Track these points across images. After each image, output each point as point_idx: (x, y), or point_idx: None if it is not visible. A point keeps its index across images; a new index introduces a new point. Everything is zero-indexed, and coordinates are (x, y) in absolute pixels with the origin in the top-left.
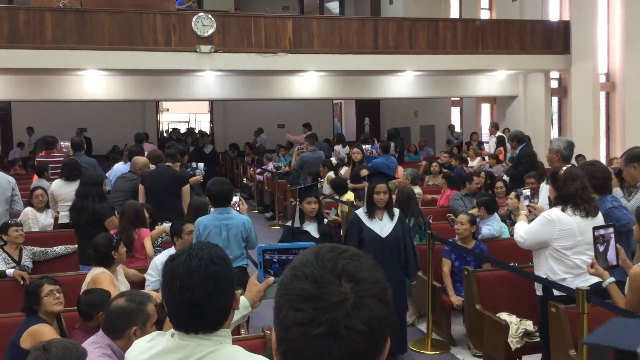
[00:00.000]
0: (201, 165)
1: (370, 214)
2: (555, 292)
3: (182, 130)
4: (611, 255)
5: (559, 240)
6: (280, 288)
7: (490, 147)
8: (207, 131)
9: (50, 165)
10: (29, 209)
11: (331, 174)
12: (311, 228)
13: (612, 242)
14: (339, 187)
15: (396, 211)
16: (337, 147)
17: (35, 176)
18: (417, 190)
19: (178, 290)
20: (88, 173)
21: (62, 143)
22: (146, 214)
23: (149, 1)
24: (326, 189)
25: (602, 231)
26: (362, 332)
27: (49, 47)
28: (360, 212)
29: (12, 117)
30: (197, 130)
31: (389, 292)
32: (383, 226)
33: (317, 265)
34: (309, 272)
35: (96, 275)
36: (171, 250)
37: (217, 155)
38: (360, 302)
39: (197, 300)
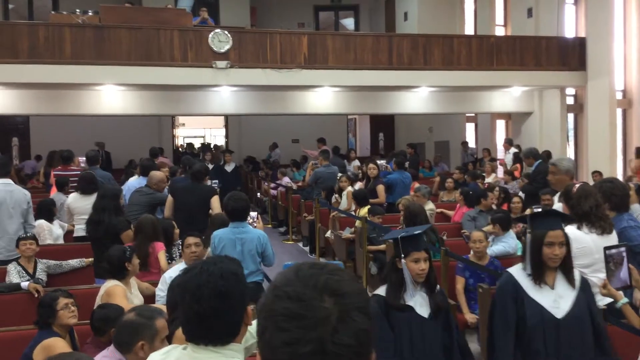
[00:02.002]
0: (215, 182)
1: (537, 276)
2: None
3: (197, 145)
4: (624, 276)
5: (577, 258)
6: (262, 310)
7: (507, 163)
8: (223, 145)
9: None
10: (43, 222)
11: (351, 188)
12: (418, 300)
13: (625, 262)
14: (362, 199)
15: (577, 273)
16: (356, 162)
17: (53, 190)
18: (430, 206)
19: (188, 303)
20: (106, 186)
21: (80, 158)
22: (177, 230)
23: (167, 18)
24: (343, 203)
25: (613, 251)
26: (350, 345)
27: (67, 62)
28: (517, 272)
29: (30, 131)
30: (212, 145)
31: (370, 303)
32: (558, 298)
33: (298, 283)
34: (290, 290)
35: (110, 288)
36: (181, 265)
37: (239, 174)
38: (345, 316)
39: (205, 314)
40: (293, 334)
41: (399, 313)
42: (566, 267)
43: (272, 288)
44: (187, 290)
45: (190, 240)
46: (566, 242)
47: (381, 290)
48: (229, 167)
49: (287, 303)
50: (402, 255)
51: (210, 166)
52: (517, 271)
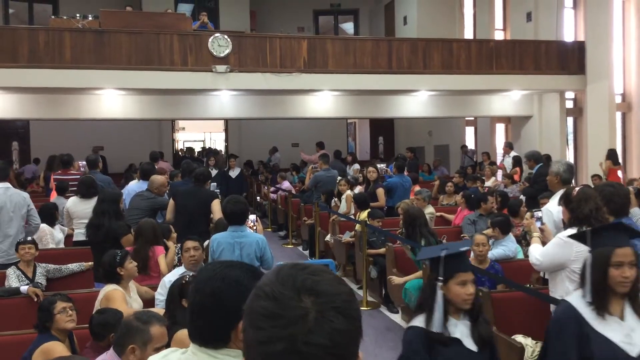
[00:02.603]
0: (214, 185)
1: (601, 305)
2: None
3: (197, 149)
4: None
5: (576, 262)
6: (245, 310)
7: (506, 166)
8: (222, 149)
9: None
10: (45, 226)
11: (349, 191)
12: (462, 330)
13: None
14: (362, 202)
15: None
16: (356, 166)
17: (53, 194)
18: (430, 209)
19: (191, 293)
20: (105, 190)
21: (80, 163)
22: (174, 234)
23: (167, 22)
24: (343, 207)
25: None
26: (325, 346)
27: (67, 66)
28: (578, 302)
29: (30, 136)
30: (213, 149)
31: (353, 304)
32: (630, 332)
33: (277, 283)
34: (268, 290)
35: (108, 292)
36: (180, 270)
37: (245, 180)
38: (322, 315)
39: (196, 308)
40: (267, 332)
41: (443, 347)
42: (634, 293)
43: (255, 288)
44: (195, 280)
45: (189, 244)
46: (637, 262)
47: (418, 321)
48: (234, 173)
49: (265, 302)
50: (441, 278)
51: (214, 171)
52: (578, 301)
